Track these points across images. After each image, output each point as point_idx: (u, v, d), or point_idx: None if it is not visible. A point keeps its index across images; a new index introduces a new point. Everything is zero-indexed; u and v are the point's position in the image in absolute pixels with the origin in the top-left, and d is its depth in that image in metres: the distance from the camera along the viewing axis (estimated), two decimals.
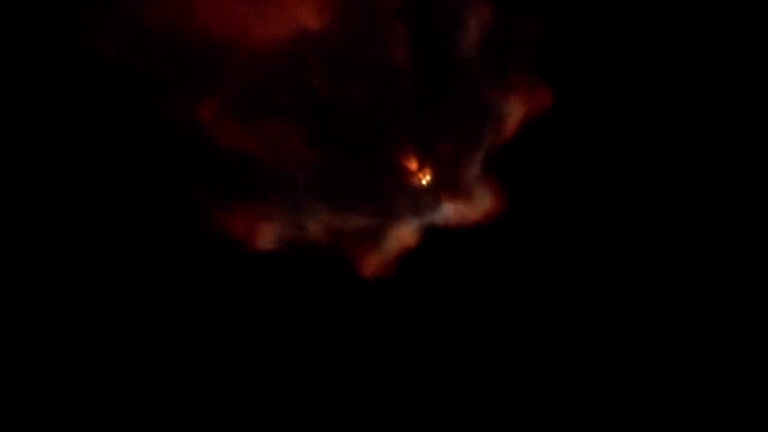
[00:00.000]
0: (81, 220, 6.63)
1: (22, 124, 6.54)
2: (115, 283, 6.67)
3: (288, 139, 6.90)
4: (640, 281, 7.09)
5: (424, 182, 7.10)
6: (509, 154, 7.11)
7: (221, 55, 6.77)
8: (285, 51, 6.79)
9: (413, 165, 7.08)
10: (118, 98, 6.61)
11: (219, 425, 6.70)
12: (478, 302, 7.14)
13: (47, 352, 6.52)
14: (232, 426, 6.71)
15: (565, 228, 7.16)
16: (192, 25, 6.72)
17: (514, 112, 7.06)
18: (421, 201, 7.12)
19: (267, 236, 6.93)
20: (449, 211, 7.14)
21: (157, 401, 6.64)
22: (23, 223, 6.56)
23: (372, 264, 7.03)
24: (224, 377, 6.78)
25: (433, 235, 7.11)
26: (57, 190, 6.61)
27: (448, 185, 7.11)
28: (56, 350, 6.55)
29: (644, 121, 7.19)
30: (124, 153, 6.72)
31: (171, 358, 6.70)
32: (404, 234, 7.07)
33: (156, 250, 6.75)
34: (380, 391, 7.02)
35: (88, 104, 6.63)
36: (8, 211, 6.51)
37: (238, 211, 6.90)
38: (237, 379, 6.80)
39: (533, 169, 7.18)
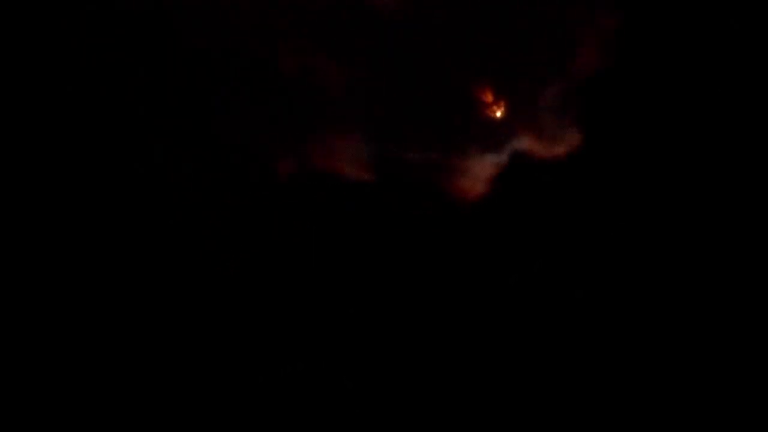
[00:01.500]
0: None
1: None
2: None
3: (360, 71, 6.64)
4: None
5: (498, 114, 6.79)
6: (589, 89, 6.78)
7: None
8: None
9: (488, 97, 6.77)
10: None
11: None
12: (554, 238, 6.86)
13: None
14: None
15: (644, 170, 6.84)
16: None
17: (595, 44, 6.72)
18: (495, 134, 6.82)
19: (346, 168, 6.70)
20: (524, 146, 6.83)
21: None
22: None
23: (447, 198, 6.78)
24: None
25: (507, 169, 6.82)
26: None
27: (523, 119, 6.80)
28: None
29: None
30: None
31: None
32: (478, 168, 6.79)
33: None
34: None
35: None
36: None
37: (315, 146, 6.68)
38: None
39: (614, 105, 6.84)
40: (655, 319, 6.74)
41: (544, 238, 6.85)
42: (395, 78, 6.66)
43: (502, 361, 6.70)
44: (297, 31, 6.61)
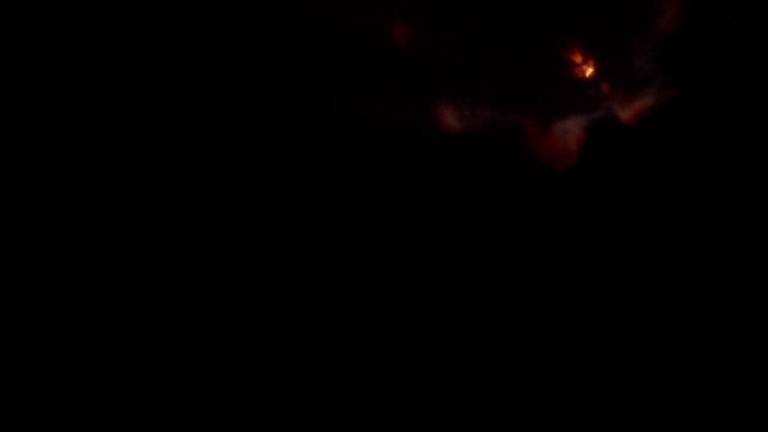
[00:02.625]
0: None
1: None
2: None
3: (448, 30, 6.48)
4: None
5: (587, 74, 6.63)
6: (680, 49, 6.59)
7: None
8: None
9: (576, 57, 6.60)
10: None
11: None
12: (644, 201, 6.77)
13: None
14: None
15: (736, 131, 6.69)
16: None
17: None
18: (585, 95, 6.68)
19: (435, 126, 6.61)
20: (614, 107, 6.70)
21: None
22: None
23: (537, 160, 6.69)
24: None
25: (598, 131, 6.69)
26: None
27: (613, 79, 6.65)
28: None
29: None
30: None
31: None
32: (568, 129, 6.68)
33: None
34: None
35: None
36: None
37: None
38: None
39: (704, 64, 6.66)
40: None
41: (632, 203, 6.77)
42: (479, 38, 6.51)
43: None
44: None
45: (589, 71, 6.58)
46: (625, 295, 6.69)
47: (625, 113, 6.65)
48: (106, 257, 6.43)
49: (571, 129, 6.66)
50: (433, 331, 6.61)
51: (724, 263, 6.60)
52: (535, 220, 6.72)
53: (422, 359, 6.53)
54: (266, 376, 6.46)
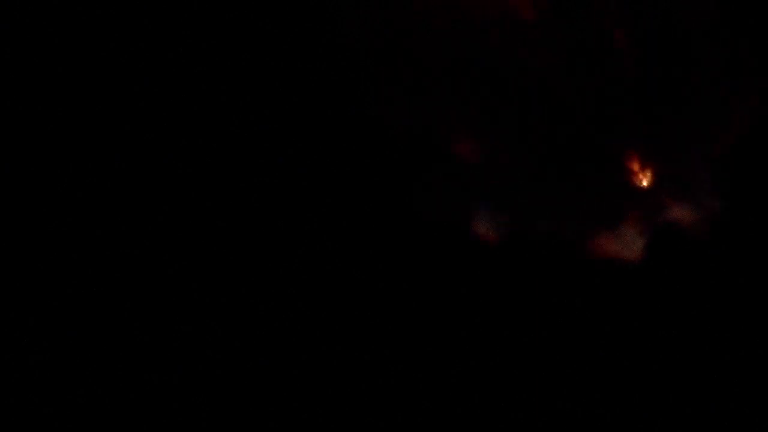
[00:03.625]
0: None
1: None
2: None
3: (505, 134, 6.67)
4: None
5: (645, 183, 6.74)
6: (740, 157, 6.68)
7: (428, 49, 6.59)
8: (496, 41, 6.54)
9: (635, 164, 6.73)
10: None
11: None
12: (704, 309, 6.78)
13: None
14: None
15: None
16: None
17: (746, 111, 6.62)
18: (643, 202, 6.78)
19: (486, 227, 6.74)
20: (674, 214, 6.77)
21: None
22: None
23: (593, 266, 6.75)
24: None
25: (657, 238, 6.76)
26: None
27: (671, 186, 6.74)
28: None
29: None
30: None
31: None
32: (626, 236, 6.75)
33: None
34: None
35: None
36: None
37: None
38: None
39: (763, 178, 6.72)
40: None
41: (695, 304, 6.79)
42: (539, 144, 6.68)
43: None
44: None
45: (647, 179, 6.68)
46: None
47: (684, 221, 6.71)
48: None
49: (632, 235, 6.73)
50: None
51: None
52: (598, 320, 6.75)
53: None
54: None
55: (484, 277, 6.77)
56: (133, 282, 6.45)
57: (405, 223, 6.72)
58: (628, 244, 6.71)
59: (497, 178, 6.73)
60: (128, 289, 6.43)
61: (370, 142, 6.70)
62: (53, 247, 6.36)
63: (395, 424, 6.52)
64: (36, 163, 6.38)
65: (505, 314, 6.77)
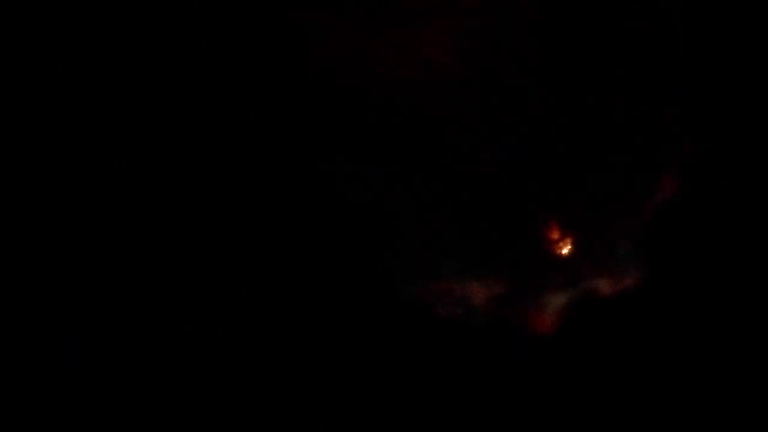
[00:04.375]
0: None
1: None
2: None
3: (421, 198, 6.58)
4: None
5: (565, 251, 6.65)
6: (662, 229, 6.60)
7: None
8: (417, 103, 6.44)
9: (554, 233, 6.64)
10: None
11: None
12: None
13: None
14: None
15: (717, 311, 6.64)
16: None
17: (668, 184, 6.54)
18: (563, 272, 6.69)
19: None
20: (593, 285, 6.69)
21: None
22: None
23: (512, 333, 6.69)
24: None
25: (576, 309, 6.69)
26: None
27: (592, 256, 6.66)
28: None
29: None
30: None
31: None
32: (545, 306, 6.68)
33: None
34: None
35: None
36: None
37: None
38: None
39: (686, 245, 6.64)
40: None
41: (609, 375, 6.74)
42: (457, 212, 6.60)
43: None
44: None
45: (567, 248, 6.60)
46: None
47: (605, 291, 6.64)
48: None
49: (552, 303, 6.66)
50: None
51: None
52: (513, 389, 6.71)
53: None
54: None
55: (408, 342, 6.71)
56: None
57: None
58: (546, 313, 6.64)
59: (420, 242, 6.65)
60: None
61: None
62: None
63: None
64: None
65: (421, 379, 6.71)
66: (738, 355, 6.69)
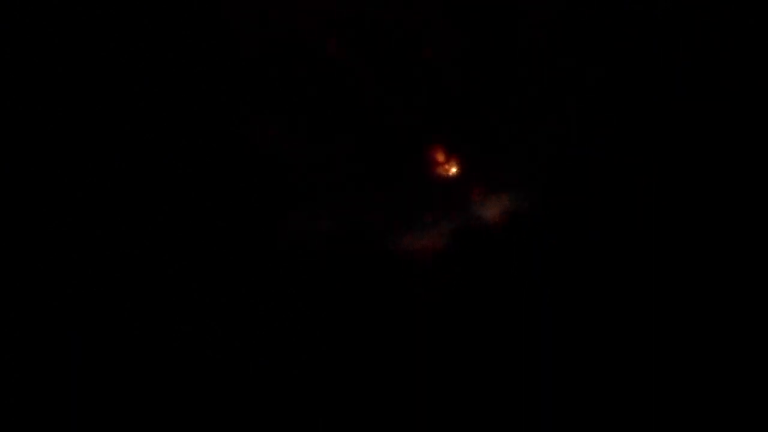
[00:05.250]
0: None
1: None
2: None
3: (307, 127, 6.44)
4: None
5: (450, 173, 6.40)
6: (555, 149, 6.35)
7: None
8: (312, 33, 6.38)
9: (439, 154, 6.41)
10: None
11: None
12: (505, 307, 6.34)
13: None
14: None
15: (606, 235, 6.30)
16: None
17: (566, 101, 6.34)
18: (448, 195, 6.42)
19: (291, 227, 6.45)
20: (480, 208, 6.39)
21: None
22: None
23: (396, 261, 6.37)
24: None
25: (462, 233, 6.38)
26: None
27: (478, 179, 6.39)
28: None
29: None
30: None
31: None
32: (430, 231, 6.38)
33: None
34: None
35: None
36: None
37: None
38: None
39: (573, 167, 6.38)
40: None
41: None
42: (343, 138, 6.42)
43: None
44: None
45: (453, 170, 6.36)
46: None
47: (490, 214, 6.34)
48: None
49: (435, 229, 6.37)
50: None
51: None
52: (397, 317, 6.36)
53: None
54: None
55: (300, 277, 6.49)
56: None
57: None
58: (431, 239, 6.34)
59: (308, 176, 6.46)
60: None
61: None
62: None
63: None
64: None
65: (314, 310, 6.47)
66: (635, 289, 6.38)
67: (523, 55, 6.40)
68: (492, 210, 6.35)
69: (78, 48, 6.41)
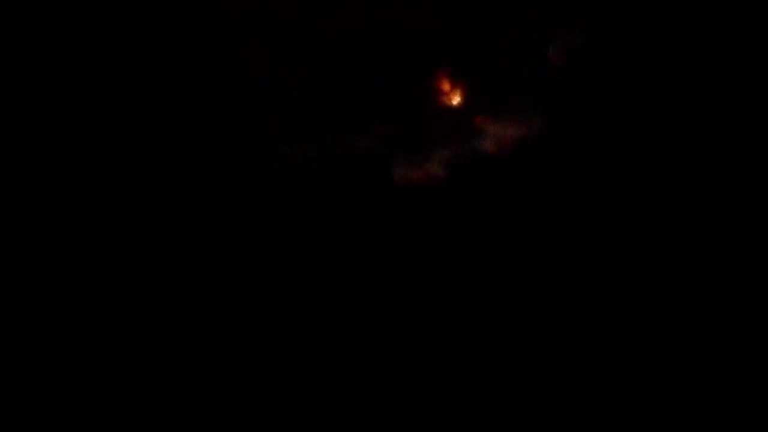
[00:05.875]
0: None
1: None
2: None
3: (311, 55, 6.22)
4: None
5: (455, 102, 6.13)
6: (552, 80, 6.19)
7: None
8: None
9: (444, 84, 6.17)
10: None
11: None
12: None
13: None
14: None
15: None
16: None
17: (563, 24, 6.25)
18: (452, 124, 6.13)
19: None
20: (485, 138, 6.08)
21: None
22: None
23: (402, 193, 5.97)
24: None
25: (467, 163, 6.05)
26: None
27: (482, 108, 6.13)
28: None
29: None
30: None
31: None
32: (435, 161, 6.04)
33: None
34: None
35: None
36: None
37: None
38: None
39: (576, 97, 6.19)
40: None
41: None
42: (344, 67, 6.19)
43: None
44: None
45: (457, 99, 6.12)
46: None
47: (493, 144, 6.04)
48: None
49: (439, 158, 6.03)
50: None
51: None
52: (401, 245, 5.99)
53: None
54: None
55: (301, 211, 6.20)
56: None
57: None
58: (440, 168, 6.00)
59: (305, 110, 6.19)
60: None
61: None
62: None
63: None
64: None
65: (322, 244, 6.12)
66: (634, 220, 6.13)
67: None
68: (494, 139, 6.05)
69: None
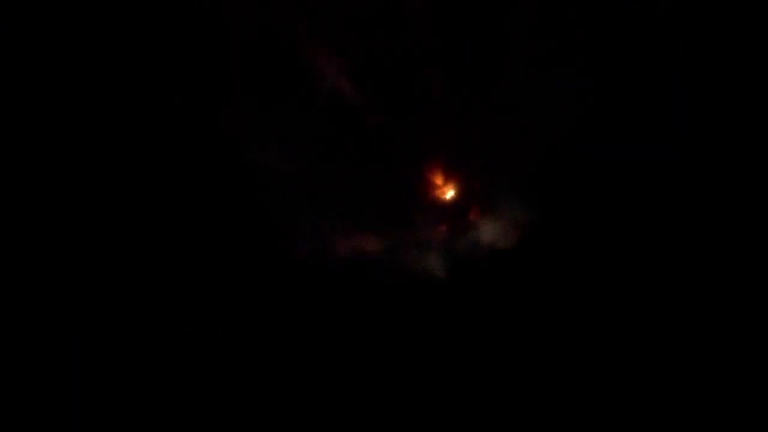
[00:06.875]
0: None
1: None
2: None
3: (307, 152, 6.26)
4: None
5: (448, 197, 6.08)
6: (543, 174, 6.29)
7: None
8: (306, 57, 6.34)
9: (438, 178, 6.13)
10: None
11: None
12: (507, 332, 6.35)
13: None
14: None
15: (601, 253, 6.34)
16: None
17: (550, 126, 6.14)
18: (446, 218, 6.08)
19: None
20: (478, 231, 6.03)
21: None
22: None
23: (397, 285, 6.27)
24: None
25: (461, 257, 6.19)
26: None
27: (475, 202, 6.07)
28: None
29: None
30: None
31: None
32: (431, 254, 6.01)
33: None
34: None
35: None
36: None
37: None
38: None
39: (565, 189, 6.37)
40: None
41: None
42: (341, 157, 6.23)
43: None
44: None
45: (451, 193, 6.07)
46: None
47: (488, 235, 5.99)
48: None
49: (437, 252, 5.99)
50: None
51: None
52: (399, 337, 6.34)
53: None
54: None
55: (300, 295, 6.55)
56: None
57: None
58: (433, 261, 5.95)
59: (306, 198, 6.26)
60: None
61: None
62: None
63: None
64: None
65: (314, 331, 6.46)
66: (626, 299, 6.43)
67: (518, 60, 6.31)
68: (491, 231, 6.02)
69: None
